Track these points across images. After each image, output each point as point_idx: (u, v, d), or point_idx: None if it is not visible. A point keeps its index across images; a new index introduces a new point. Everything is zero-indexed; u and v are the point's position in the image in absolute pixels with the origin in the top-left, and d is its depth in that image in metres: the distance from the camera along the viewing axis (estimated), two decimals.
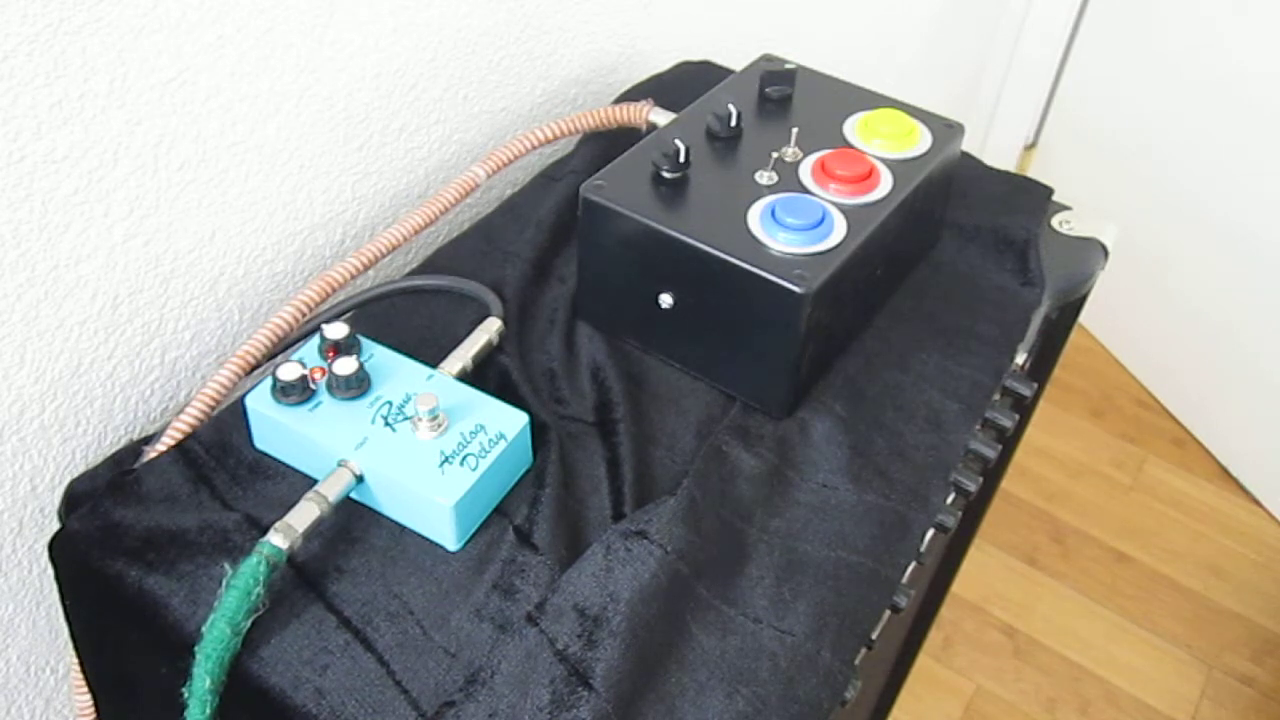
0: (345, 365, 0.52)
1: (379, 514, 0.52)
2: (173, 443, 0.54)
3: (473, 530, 0.51)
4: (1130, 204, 1.77)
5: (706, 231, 0.56)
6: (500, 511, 0.52)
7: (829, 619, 0.50)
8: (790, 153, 0.62)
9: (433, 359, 0.57)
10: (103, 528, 0.51)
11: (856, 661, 0.49)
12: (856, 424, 0.58)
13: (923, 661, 1.42)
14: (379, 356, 0.55)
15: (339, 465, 0.50)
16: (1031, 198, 0.73)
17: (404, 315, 0.62)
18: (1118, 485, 1.66)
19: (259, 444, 0.55)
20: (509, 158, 0.69)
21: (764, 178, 0.60)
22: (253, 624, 0.47)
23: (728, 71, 0.83)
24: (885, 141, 0.63)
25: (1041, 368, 0.79)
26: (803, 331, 0.55)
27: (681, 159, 0.59)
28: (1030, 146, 2.10)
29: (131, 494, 0.52)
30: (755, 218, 0.57)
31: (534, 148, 0.70)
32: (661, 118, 0.71)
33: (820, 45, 1.23)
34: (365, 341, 0.55)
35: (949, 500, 0.57)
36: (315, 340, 0.54)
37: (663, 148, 0.59)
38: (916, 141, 0.63)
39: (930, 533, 0.56)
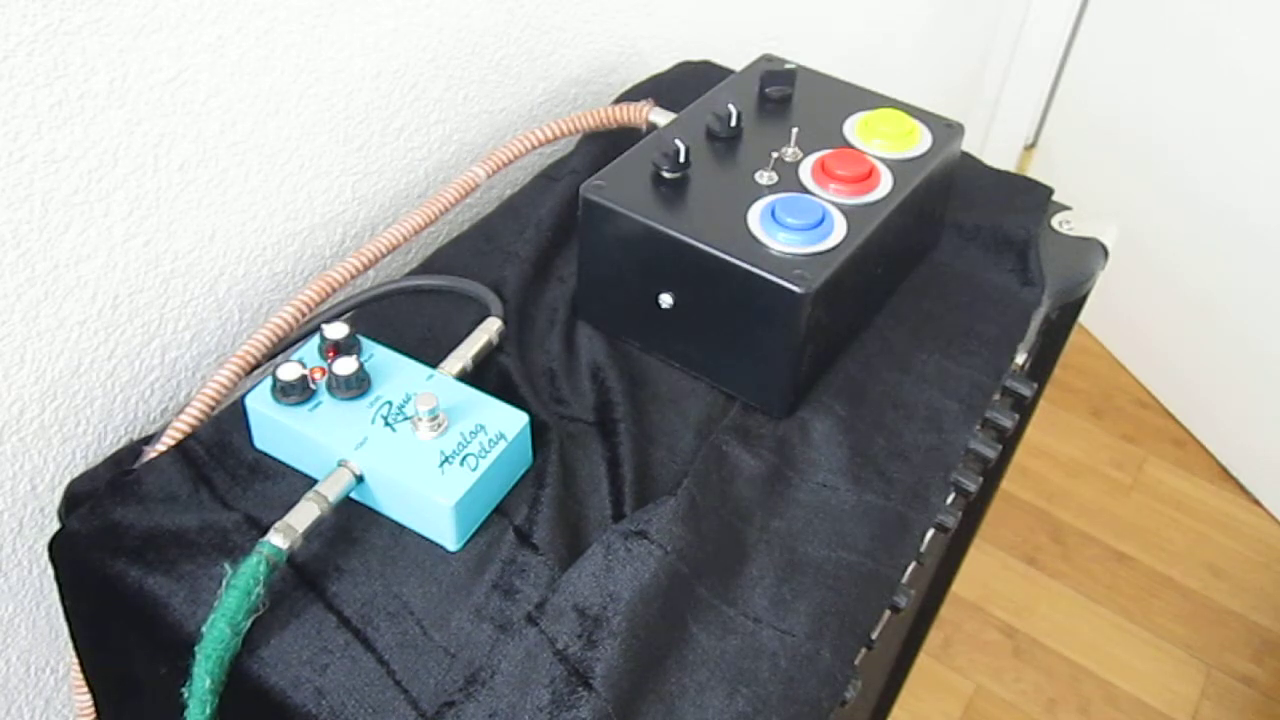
0: (345, 365, 0.52)
1: (379, 514, 0.52)
2: (173, 443, 0.54)
3: (473, 530, 0.51)
4: (1130, 204, 1.77)
5: (706, 231, 0.56)
6: (500, 511, 0.52)
7: (829, 619, 0.50)
8: (790, 153, 0.62)
9: (433, 359, 0.57)
10: (103, 528, 0.51)
11: (856, 661, 0.49)
12: (856, 424, 0.58)
13: (923, 661, 1.42)
14: (379, 356, 0.55)
15: (339, 465, 0.50)
16: (1031, 198, 0.73)
17: (404, 315, 0.62)
18: (1118, 485, 1.66)
19: (259, 444, 0.55)
20: (509, 158, 0.69)
21: (764, 178, 0.60)
22: (253, 624, 0.47)
23: (728, 71, 0.83)
24: (885, 141, 0.63)
25: (1041, 368, 0.79)
26: (803, 331, 0.55)
27: (681, 159, 0.59)
28: (1030, 146, 2.10)
29: (131, 494, 0.52)
30: (755, 218, 0.57)
31: (534, 148, 0.70)
32: (661, 118, 0.71)
33: (820, 45, 1.23)
34: (365, 341, 0.55)
35: (949, 500, 0.57)
36: (315, 340, 0.54)
37: (663, 148, 0.59)
38: (916, 141, 0.63)
39: (930, 533, 0.56)
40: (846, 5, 1.24)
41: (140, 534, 0.50)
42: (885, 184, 0.60)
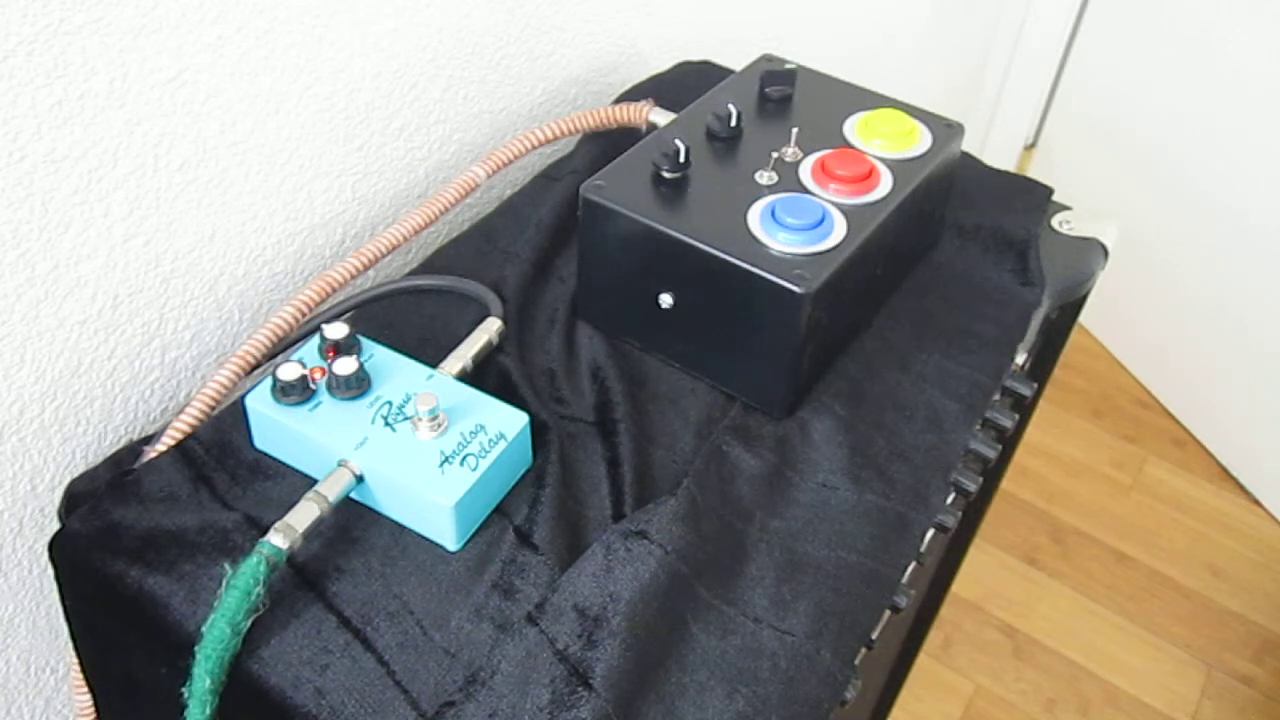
0: (345, 365, 0.52)
1: (379, 514, 0.52)
2: (173, 443, 0.54)
3: (473, 530, 0.51)
4: (1130, 204, 1.77)
5: (706, 231, 0.56)
6: (500, 511, 0.52)
7: (829, 619, 0.50)
8: (790, 153, 0.62)
9: (433, 359, 0.57)
10: (103, 528, 0.51)
11: (856, 661, 0.49)
12: (856, 424, 0.58)
13: (923, 661, 1.42)
14: (379, 356, 0.55)
15: (339, 465, 0.50)
16: (1031, 198, 0.73)
17: (404, 315, 0.62)
18: (1118, 485, 1.66)
19: (259, 444, 0.55)
20: (509, 158, 0.69)
21: (764, 178, 0.60)
22: (253, 624, 0.47)
23: (728, 71, 0.83)
24: (885, 141, 0.63)
25: (1041, 368, 0.79)
26: (803, 331, 0.55)
27: (681, 159, 0.59)
28: (1030, 146, 2.10)
29: (131, 494, 0.52)
30: (755, 218, 0.57)
31: (534, 148, 0.70)
32: (661, 118, 0.71)
33: (820, 45, 1.23)
34: (365, 341, 0.55)
35: (949, 500, 0.57)
36: (315, 340, 0.54)
37: (663, 148, 0.59)
38: (916, 141, 0.63)
39: (930, 533, 0.56)
40: (846, 5, 1.24)
41: (140, 534, 0.50)
42: (885, 184, 0.60)
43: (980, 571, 1.53)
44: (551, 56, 0.79)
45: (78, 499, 0.54)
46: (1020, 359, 0.65)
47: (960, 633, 1.46)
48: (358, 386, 0.52)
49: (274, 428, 0.52)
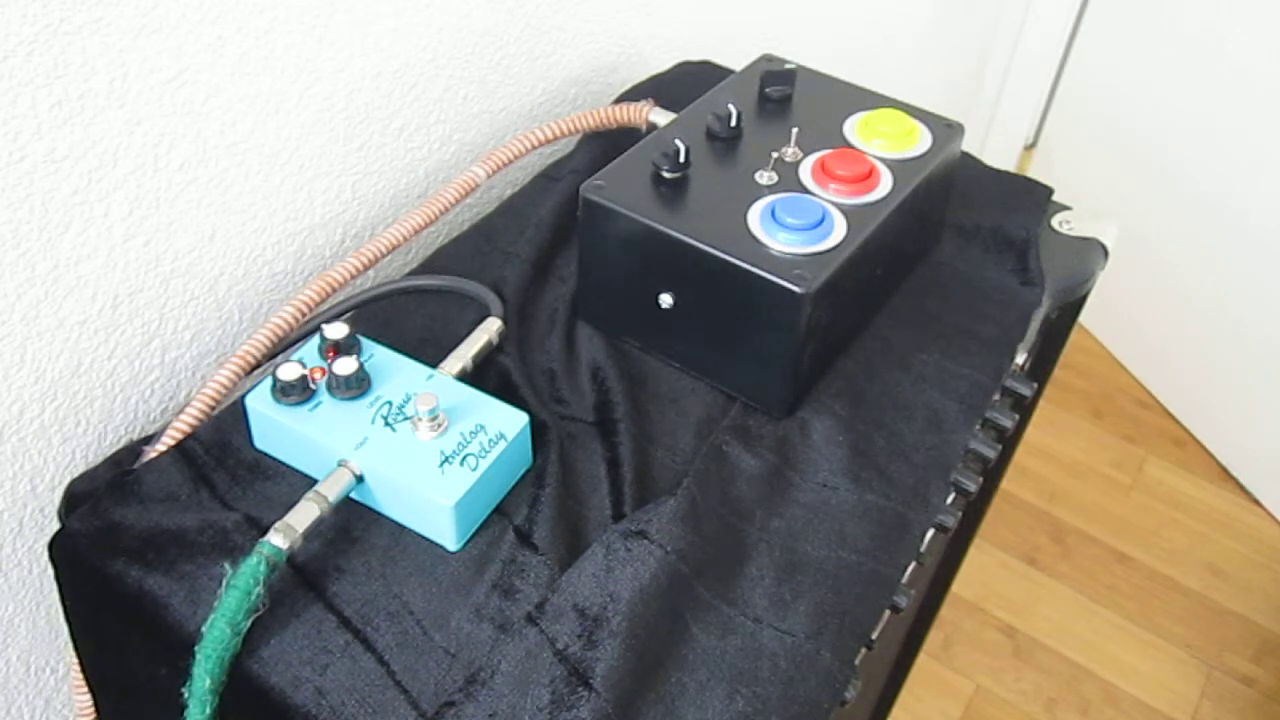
0: (345, 365, 0.52)
1: (379, 514, 0.52)
2: (173, 443, 0.54)
3: (473, 530, 0.51)
4: (1130, 204, 1.77)
5: (706, 231, 0.56)
6: (500, 511, 0.52)
7: (829, 619, 0.50)
8: (790, 153, 0.62)
9: (433, 359, 0.57)
10: (103, 528, 0.51)
11: (856, 661, 0.49)
12: (856, 424, 0.58)
13: (923, 661, 1.42)
14: (379, 356, 0.55)
15: (339, 465, 0.50)
16: (1031, 198, 0.73)
17: (404, 315, 0.62)
18: (1118, 485, 1.66)
19: (259, 444, 0.55)
20: (509, 158, 0.69)
21: (764, 178, 0.60)
22: (253, 624, 0.47)
23: (728, 71, 0.83)
24: (885, 141, 0.63)
25: (1041, 368, 0.79)
26: (803, 331, 0.55)
27: (681, 159, 0.59)
28: (1030, 146, 2.10)
29: (131, 494, 0.52)
30: (755, 218, 0.57)
31: (534, 148, 0.70)
32: (661, 118, 0.71)
33: (820, 45, 1.23)
34: (365, 341, 0.55)
35: (949, 500, 0.57)
36: (315, 340, 0.54)
37: (663, 148, 0.59)
38: (916, 141, 0.63)
39: (930, 533, 0.56)
40: (846, 5, 1.24)
41: (140, 534, 0.50)
42: (885, 184, 0.60)
43: (980, 571, 1.53)
44: (551, 56, 0.79)
45: (78, 499, 0.54)
46: (1020, 359, 0.65)
47: (960, 633, 1.46)
48: (358, 386, 0.52)
49: (274, 428, 0.52)
